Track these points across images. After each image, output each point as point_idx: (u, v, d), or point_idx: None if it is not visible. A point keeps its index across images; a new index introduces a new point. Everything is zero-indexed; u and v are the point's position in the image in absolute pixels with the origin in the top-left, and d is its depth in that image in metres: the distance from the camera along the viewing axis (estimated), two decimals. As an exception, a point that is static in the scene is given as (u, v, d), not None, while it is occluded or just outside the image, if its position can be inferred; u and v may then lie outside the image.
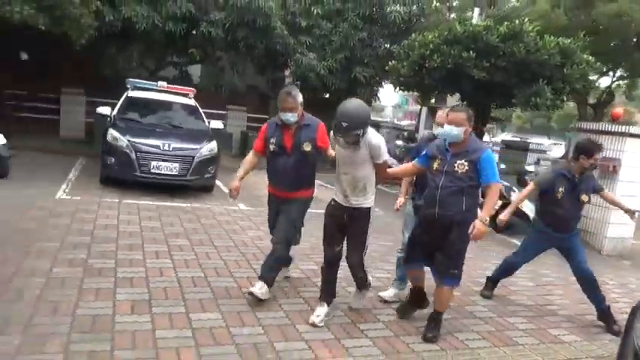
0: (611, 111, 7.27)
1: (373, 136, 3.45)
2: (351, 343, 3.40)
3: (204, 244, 5.28)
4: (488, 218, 3.35)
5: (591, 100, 17.84)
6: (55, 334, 2.98)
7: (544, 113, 37.30)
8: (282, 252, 3.91)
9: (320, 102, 12.37)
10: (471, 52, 7.57)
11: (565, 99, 8.15)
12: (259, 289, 3.75)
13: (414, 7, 13.51)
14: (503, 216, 4.43)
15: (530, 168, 8.86)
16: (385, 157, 3.55)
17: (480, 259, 6.18)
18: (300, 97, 3.83)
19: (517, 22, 7.72)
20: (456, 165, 3.41)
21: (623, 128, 7.72)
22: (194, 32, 11.61)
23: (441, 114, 3.94)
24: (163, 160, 7.39)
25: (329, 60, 12.97)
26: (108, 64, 11.37)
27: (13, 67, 10.53)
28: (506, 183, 8.10)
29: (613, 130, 7.81)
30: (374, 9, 13.27)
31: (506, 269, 4.72)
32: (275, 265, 3.91)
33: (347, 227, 3.66)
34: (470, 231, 3.34)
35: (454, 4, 14.62)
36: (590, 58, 8.07)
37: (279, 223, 3.96)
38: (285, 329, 3.47)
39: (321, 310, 3.65)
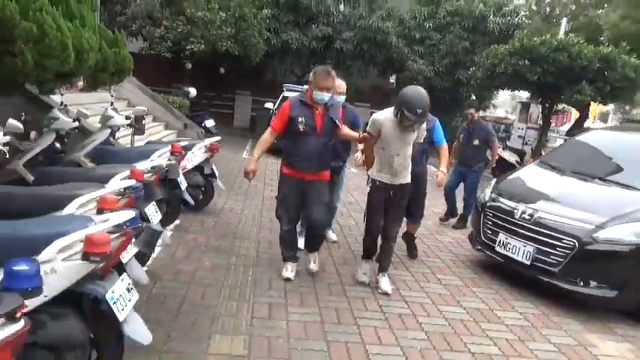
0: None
1: None
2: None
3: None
4: (445, 169, 4.56)
5: None
6: (248, 209, 6.97)
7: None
8: (322, 235, 4.43)
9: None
10: (526, 61, 10.17)
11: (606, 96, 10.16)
12: (314, 262, 4.29)
13: (515, 18, 15.85)
14: None
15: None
16: None
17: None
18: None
19: (563, 36, 10.09)
20: None
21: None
22: (331, 46, 15.60)
23: None
24: (305, 137, 11.37)
25: (436, 65, 15.97)
26: (270, 72, 15.90)
27: (213, 77, 15.63)
28: None
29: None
30: (477, 20, 15.86)
31: None
32: (320, 241, 4.38)
33: (390, 204, 3.97)
34: (437, 179, 4.46)
35: (550, 11, 16.37)
36: (636, 61, 10.03)
37: (315, 208, 3.98)
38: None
39: (367, 267, 4.23)
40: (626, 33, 12.00)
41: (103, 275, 2.26)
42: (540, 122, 15.03)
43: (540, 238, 4.40)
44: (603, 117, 32.03)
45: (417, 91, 3.68)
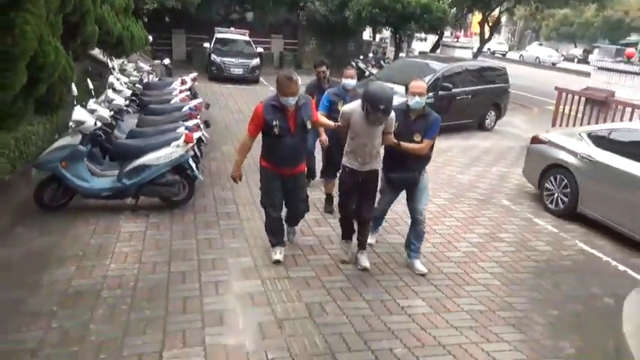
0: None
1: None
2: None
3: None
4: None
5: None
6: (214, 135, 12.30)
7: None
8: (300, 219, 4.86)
9: (325, 31, 20.78)
10: (377, 9, 15.73)
11: (427, 30, 16.17)
12: (293, 234, 4.87)
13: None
14: None
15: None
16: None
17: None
18: (299, 80, 4.05)
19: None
20: None
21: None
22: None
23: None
24: (236, 67, 16.48)
25: (329, 5, 21.04)
26: (201, 14, 20.25)
27: (159, 24, 19.76)
28: None
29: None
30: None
31: None
32: (298, 222, 4.87)
33: (360, 188, 4.29)
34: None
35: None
36: (445, 6, 15.93)
37: (293, 203, 4.51)
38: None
39: (347, 246, 4.64)
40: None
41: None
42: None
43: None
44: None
45: (380, 88, 3.98)
